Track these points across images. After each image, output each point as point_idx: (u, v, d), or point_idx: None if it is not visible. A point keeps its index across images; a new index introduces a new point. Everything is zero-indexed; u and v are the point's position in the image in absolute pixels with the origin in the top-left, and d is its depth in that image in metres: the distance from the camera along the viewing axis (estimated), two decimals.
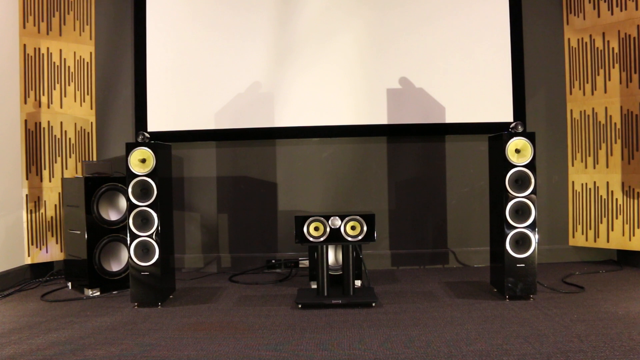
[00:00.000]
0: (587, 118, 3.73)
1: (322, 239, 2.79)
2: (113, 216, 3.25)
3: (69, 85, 3.74)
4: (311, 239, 2.79)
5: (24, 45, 3.55)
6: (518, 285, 2.75)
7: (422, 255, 3.84)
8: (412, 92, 3.81)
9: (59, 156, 3.70)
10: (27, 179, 3.56)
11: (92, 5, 3.86)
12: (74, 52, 3.77)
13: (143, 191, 2.79)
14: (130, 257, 2.81)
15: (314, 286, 3.10)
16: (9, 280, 3.35)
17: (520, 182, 2.74)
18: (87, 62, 3.83)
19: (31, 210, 3.57)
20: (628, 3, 3.49)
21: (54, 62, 3.68)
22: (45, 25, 3.64)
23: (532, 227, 2.74)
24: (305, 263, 3.70)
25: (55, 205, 3.67)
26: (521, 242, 2.75)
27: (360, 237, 2.78)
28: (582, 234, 3.78)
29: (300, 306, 2.74)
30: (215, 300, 2.95)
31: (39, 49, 3.61)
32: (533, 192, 2.73)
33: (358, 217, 2.78)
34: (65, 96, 3.73)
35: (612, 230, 3.63)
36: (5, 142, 3.41)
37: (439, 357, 1.98)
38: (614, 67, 3.58)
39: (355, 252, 3.03)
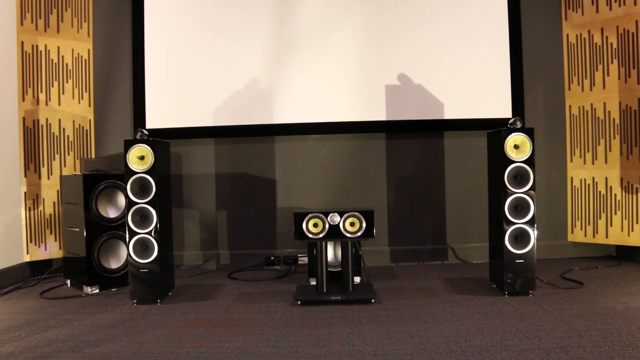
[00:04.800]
0: (586, 114, 3.72)
1: (321, 235, 2.79)
2: (112, 213, 3.24)
3: (67, 82, 3.74)
4: (310, 235, 2.79)
5: (22, 42, 3.54)
6: (517, 281, 2.75)
7: (421, 251, 3.84)
8: (411, 89, 3.81)
9: (57, 153, 3.69)
10: (25, 176, 3.55)
11: (89, 2, 3.85)
12: (72, 49, 3.76)
13: (142, 188, 2.79)
14: (129, 254, 2.81)
15: (313, 283, 3.10)
16: (8, 277, 3.35)
17: (519, 177, 2.74)
18: (85, 59, 3.82)
19: (30, 208, 3.56)
20: None
21: (52, 59, 3.67)
22: (43, 23, 3.63)
23: (531, 222, 2.74)
24: (304, 260, 3.70)
25: (54, 202, 3.67)
26: (520, 237, 2.75)
27: (359, 234, 2.78)
28: (581, 229, 3.78)
29: (299, 303, 2.74)
30: (215, 297, 2.95)
31: (37, 46, 3.61)
32: (532, 187, 2.73)
33: (357, 214, 2.78)
34: (63, 93, 3.72)
35: (611, 225, 3.63)
36: (4, 140, 3.40)
37: (439, 352, 1.98)
38: (612, 63, 3.58)
39: (355, 249, 3.03)
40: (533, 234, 2.74)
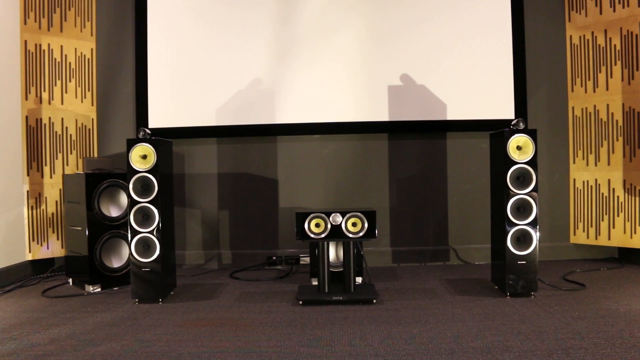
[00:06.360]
0: (589, 115, 3.72)
1: (323, 235, 2.79)
2: (114, 212, 3.24)
3: (70, 81, 3.74)
4: (312, 235, 2.79)
5: (25, 41, 3.55)
6: (519, 282, 2.74)
7: (423, 252, 3.84)
8: (413, 89, 3.81)
9: (60, 152, 3.70)
10: (28, 175, 3.56)
11: (93, 2, 3.86)
12: (75, 49, 3.77)
13: (144, 187, 2.79)
14: (131, 253, 2.81)
15: (315, 283, 3.10)
16: (10, 276, 3.35)
17: (522, 179, 2.73)
18: (88, 59, 3.83)
19: (32, 207, 3.57)
20: (630, 0, 3.47)
21: (55, 59, 3.68)
22: (47, 22, 3.64)
23: (533, 224, 2.73)
24: (306, 260, 3.70)
25: (56, 201, 3.67)
26: (522, 239, 2.74)
27: (361, 234, 2.78)
28: (584, 231, 3.78)
29: (301, 302, 2.73)
30: (216, 297, 2.95)
31: (40, 45, 3.61)
32: (534, 189, 2.73)
33: (359, 214, 2.78)
34: (66, 92, 3.73)
35: (614, 227, 3.62)
36: (6, 138, 3.41)
37: (440, 353, 1.98)
38: (615, 64, 3.57)
39: (356, 249, 3.03)
40: (535, 235, 2.73)
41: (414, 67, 3.80)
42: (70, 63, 3.74)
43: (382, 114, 3.81)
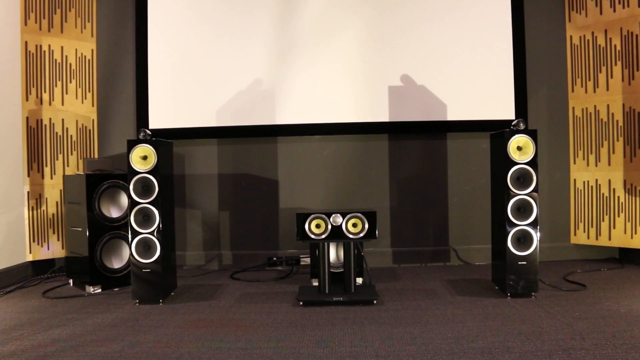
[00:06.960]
0: (589, 115, 3.72)
1: (323, 236, 2.79)
2: (114, 213, 3.25)
3: (70, 82, 3.74)
4: (313, 236, 2.79)
5: (26, 42, 3.55)
6: (520, 282, 2.74)
7: (424, 252, 3.84)
8: (414, 90, 3.81)
9: (60, 153, 3.70)
10: (28, 176, 3.56)
11: (93, 2, 3.86)
12: (76, 49, 3.77)
13: (144, 188, 2.79)
14: (131, 254, 2.81)
15: (316, 283, 3.10)
16: (11, 277, 3.35)
17: (522, 179, 2.73)
18: (89, 60, 3.83)
19: (33, 207, 3.57)
20: (630, 0, 3.47)
21: (56, 59, 3.68)
22: (47, 22, 3.64)
23: (533, 224, 2.73)
24: (306, 260, 3.70)
25: (57, 202, 3.68)
26: (523, 239, 2.74)
27: (361, 235, 2.78)
28: (584, 231, 3.78)
29: (301, 303, 2.73)
30: (217, 298, 2.95)
31: (41, 46, 3.61)
32: (535, 189, 2.73)
33: (359, 215, 2.78)
34: (66, 93, 3.73)
35: (614, 228, 3.62)
36: (7, 139, 3.41)
37: (441, 354, 1.98)
38: (616, 65, 3.57)
39: (357, 250, 3.02)
40: (536, 235, 2.73)
41: (414, 68, 3.80)
42: (70, 64, 3.74)
43: (382, 115, 3.81)
